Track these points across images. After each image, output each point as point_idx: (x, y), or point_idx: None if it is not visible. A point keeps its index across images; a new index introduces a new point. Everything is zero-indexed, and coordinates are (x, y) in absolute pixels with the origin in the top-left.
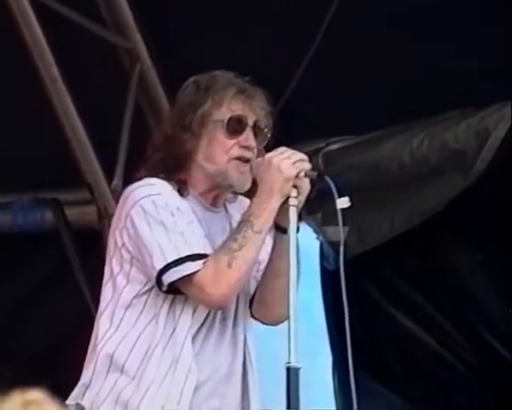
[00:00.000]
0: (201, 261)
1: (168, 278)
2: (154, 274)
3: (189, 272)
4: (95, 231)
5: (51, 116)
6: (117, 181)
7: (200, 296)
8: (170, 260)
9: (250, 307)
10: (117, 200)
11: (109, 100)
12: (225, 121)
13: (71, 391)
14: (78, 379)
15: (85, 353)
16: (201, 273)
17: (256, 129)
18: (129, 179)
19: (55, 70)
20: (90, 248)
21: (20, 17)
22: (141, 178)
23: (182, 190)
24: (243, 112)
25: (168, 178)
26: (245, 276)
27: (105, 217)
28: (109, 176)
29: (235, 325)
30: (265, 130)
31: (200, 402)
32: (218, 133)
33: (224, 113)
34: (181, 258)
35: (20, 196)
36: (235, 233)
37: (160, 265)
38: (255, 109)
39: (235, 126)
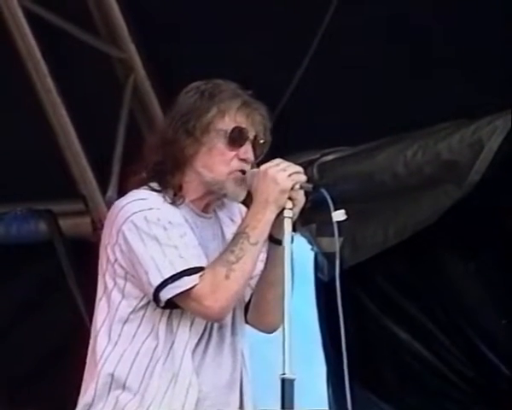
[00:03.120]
0: (198, 275)
1: (166, 294)
2: (151, 291)
3: (186, 288)
4: (89, 241)
5: (45, 127)
6: (111, 192)
7: (198, 310)
8: (166, 277)
9: (245, 313)
10: None
11: (103, 110)
12: (228, 131)
13: (64, 401)
14: (72, 389)
15: (79, 363)
16: (199, 287)
17: (255, 143)
18: (123, 190)
19: (49, 81)
20: (84, 258)
21: (15, 28)
22: (136, 183)
23: (176, 198)
24: (246, 125)
25: (163, 185)
26: (243, 288)
27: (99, 228)
28: (103, 187)
29: (233, 333)
30: (263, 145)
31: None
32: (219, 142)
33: (227, 123)
34: (177, 273)
35: (14, 207)
36: (231, 245)
37: (156, 281)
38: (256, 124)
39: (237, 138)
